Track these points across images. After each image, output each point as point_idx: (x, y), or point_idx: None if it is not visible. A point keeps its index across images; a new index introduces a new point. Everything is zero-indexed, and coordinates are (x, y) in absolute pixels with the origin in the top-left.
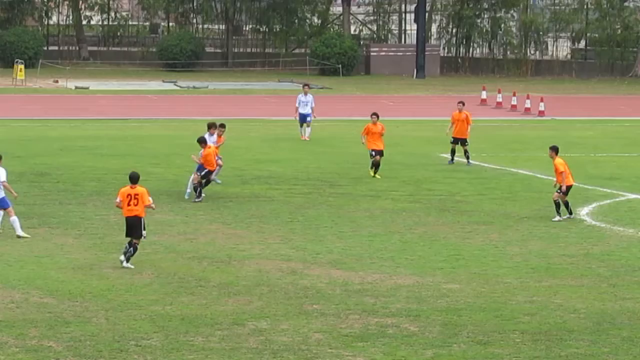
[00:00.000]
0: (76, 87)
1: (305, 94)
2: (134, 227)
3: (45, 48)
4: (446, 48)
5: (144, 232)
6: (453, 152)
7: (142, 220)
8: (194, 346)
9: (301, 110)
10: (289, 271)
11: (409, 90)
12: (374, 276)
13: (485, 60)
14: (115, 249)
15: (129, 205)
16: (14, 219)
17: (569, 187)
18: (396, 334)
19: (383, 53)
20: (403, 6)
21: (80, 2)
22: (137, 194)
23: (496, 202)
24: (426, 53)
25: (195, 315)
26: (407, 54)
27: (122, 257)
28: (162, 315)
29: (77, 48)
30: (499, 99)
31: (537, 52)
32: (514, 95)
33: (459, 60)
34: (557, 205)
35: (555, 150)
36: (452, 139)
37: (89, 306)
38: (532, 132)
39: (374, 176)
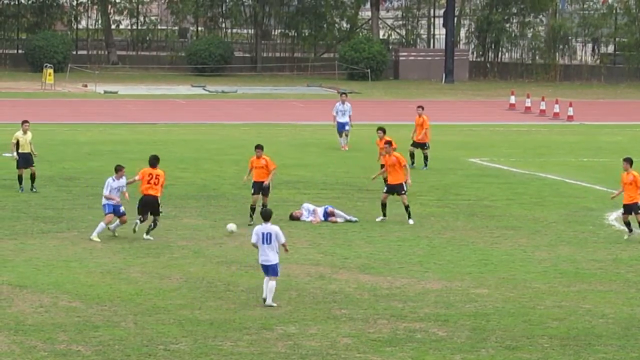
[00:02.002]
0: (105, 92)
1: (343, 102)
2: (151, 205)
3: (74, 52)
4: (475, 53)
5: (161, 209)
6: (412, 156)
7: (159, 199)
8: (222, 351)
9: (339, 119)
10: (318, 276)
11: (438, 95)
12: (402, 281)
13: (514, 65)
14: (144, 253)
15: (148, 183)
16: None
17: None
18: (424, 338)
19: (412, 58)
20: (432, 11)
21: (109, 7)
22: (157, 175)
23: (525, 207)
24: (455, 58)
25: (224, 320)
26: (436, 58)
27: (136, 227)
28: (190, 319)
29: (106, 52)
30: (528, 104)
31: (566, 57)
32: (543, 100)
33: (488, 65)
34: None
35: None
36: (412, 143)
37: (117, 310)
38: (561, 137)
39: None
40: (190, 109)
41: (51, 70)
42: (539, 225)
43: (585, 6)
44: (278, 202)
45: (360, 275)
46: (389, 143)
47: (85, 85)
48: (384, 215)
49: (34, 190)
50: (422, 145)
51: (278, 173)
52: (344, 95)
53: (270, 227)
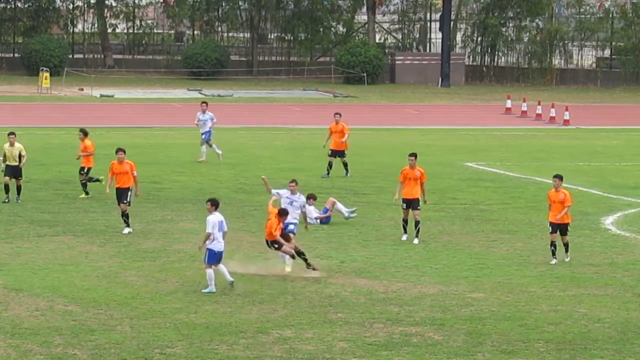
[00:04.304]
0: (101, 95)
1: (204, 111)
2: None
3: (71, 56)
4: (471, 57)
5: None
6: (330, 166)
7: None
8: (218, 354)
9: (201, 130)
10: (313, 280)
11: (434, 99)
12: (398, 285)
13: (510, 69)
14: (140, 257)
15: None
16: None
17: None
18: (420, 342)
19: (408, 61)
20: (428, 15)
21: (106, 10)
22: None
23: (520, 211)
24: (451, 62)
25: (220, 324)
26: (432, 62)
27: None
28: (186, 323)
29: (102, 56)
30: (524, 108)
31: (562, 61)
32: (539, 104)
33: (484, 68)
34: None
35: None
36: (330, 152)
37: (113, 314)
38: (557, 141)
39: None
40: (186, 112)
41: (47, 74)
42: (535, 230)
43: (581, 10)
44: None
45: (356, 279)
46: (415, 156)
47: (82, 89)
48: (406, 231)
49: (18, 201)
50: (340, 154)
51: (274, 177)
52: (204, 104)
53: (221, 216)
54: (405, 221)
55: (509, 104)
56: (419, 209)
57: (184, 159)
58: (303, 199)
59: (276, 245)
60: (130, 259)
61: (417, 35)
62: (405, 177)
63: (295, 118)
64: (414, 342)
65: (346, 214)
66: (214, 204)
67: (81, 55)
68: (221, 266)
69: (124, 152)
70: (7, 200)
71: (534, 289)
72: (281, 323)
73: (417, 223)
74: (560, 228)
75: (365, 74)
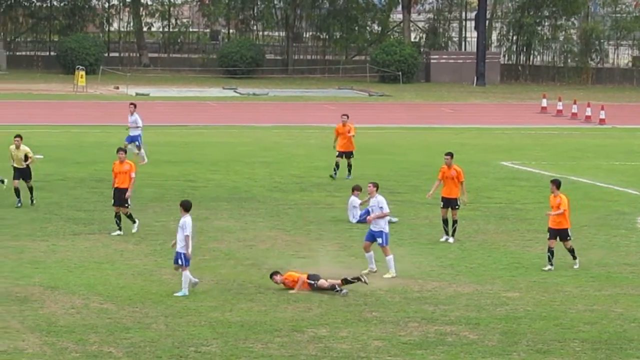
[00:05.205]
0: (137, 94)
1: (131, 113)
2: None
3: (106, 55)
4: (506, 55)
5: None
6: (337, 166)
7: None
8: (253, 353)
9: (130, 132)
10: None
11: (469, 97)
12: (433, 284)
13: (546, 67)
14: None
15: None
16: (390, 257)
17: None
18: (455, 342)
19: (443, 60)
20: (463, 14)
21: (141, 9)
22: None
23: None
24: (486, 60)
25: (255, 322)
26: (467, 61)
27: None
28: (221, 321)
29: (138, 55)
30: (560, 107)
31: (598, 60)
32: (575, 103)
33: (519, 67)
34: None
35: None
36: (337, 153)
37: (148, 312)
38: (593, 140)
39: None
40: (221, 111)
41: (83, 73)
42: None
43: (617, 9)
44: (309, 204)
45: (392, 278)
46: (451, 155)
47: (117, 88)
48: (446, 233)
49: (33, 203)
50: (348, 154)
51: (308, 175)
52: (132, 105)
53: (189, 218)
54: (445, 221)
55: (544, 103)
56: (457, 208)
57: (218, 157)
58: (379, 199)
59: (313, 283)
60: (165, 257)
61: (453, 34)
62: (443, 175)
63: (330, 117)
64: (449, 341)
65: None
66: (184, 207)
67: (117, 54)
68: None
69: (125, 152)
70: (19, 205)
71: (569, 289)
72: (316, 321)
73: (454, 222)
74: (559, 234)
75: (400, 73)
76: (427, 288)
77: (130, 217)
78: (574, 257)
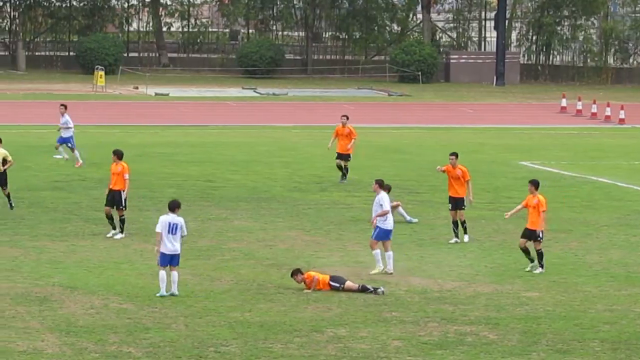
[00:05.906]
0: (156, 94)
1: (62, 114)
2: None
3: (126, 55)
4: (526, 55)
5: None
6: (340, 168)
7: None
8: (272, 353)
9: (63, 134)
10: (368, 278)
11: (489, 97)
12: (452, 284)
13: (565, 67)
14: (194, 255)
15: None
16: (389, 254)
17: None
18: (475, 342)
19: (463, 60)
20: (483, 13)
21: (161, 9)
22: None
23: (575, 210)
24: (506, 60)
25: (274, 322)
26: (487, 61)
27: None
28: (241, 321)
29: (157, 55)
30: (579, 107)
31: (618, 60)
32: (594, 103)
33: (539, 67)
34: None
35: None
36: (336, 155)
37: (168, 312)
38: (612, 140)
39: None
40: (240, 111)
41: (102, 73)
42: (590, 229)
43: (637, 9)
44: (329, 204)
45: (411, 278)
46: (455, 155)
47: (136, 88)
48: (456, 235)
49: (12, 209)
50: (345, 157)
51: (328, 175)
52: (62, 107)
53: (178, 219)
54: (455, 224)
55: (564, 102)
56: (463, 209)
57: (238, 157)
58: (381, 196)
59: (338, 286)
60: (185, 257)
61: (472, 34)
62: (448, 174)
63: (350, 117)
64: (468, 341)
65: (407, 218)
66: (171, 206)
67: (136, 54)
68: (174, 273)
69: (121, 154)
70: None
71: (589, 289)
72: (335, 322)
73: (462, 223)
74: (531, 234)
75: (420, 73)
76: (447, 288)
77: (122, 222)
78: (540, 262)
